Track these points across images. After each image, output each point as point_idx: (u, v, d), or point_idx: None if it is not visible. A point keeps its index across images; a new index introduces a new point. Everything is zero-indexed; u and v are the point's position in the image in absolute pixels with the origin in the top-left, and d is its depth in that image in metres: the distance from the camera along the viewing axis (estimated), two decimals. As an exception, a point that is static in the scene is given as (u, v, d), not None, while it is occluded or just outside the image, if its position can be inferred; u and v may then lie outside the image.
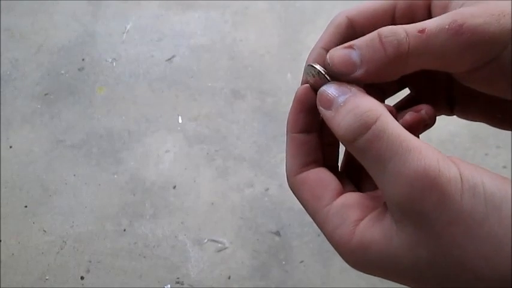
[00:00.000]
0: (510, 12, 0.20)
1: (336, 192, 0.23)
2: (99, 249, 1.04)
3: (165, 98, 1.27)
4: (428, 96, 0.28)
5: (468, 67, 0.22)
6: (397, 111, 0.27)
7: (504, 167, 1.15)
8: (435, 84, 0.28)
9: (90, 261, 1.02)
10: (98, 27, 1.42)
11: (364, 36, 0.23)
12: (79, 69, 1.33)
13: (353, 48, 0.22)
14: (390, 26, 0.22)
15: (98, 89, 1.29)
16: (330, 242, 0.22)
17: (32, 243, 1.04)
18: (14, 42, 1.39)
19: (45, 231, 1.06)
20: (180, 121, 1.23)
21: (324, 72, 0.24)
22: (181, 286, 1.00)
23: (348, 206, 0.22)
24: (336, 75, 0.23)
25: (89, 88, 1.29)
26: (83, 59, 1.35)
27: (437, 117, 0.26)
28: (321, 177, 0.24)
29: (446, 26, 0.21)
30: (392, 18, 0.25)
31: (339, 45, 0.24)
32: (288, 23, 1.43)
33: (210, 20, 1.44)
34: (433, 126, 0.26)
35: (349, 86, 0.22)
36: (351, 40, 0.24)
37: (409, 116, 0.25)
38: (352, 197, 0.23)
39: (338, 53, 0.23)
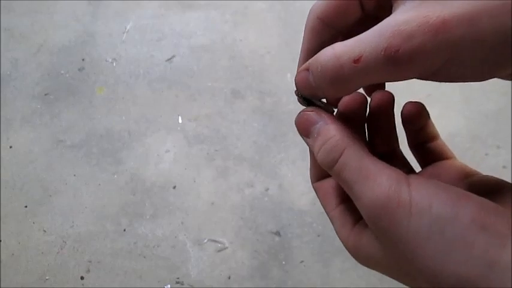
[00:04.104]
0: (448, 25, 0.19)
1: (341, 199, 0.27)
2: (99, 249, 1.04)
3: (165, 98, 1.27)
4: None
5: (416, 77, 0.22)
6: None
7: (504, 167, 1.15)
8: None
9: (90, 261, 1.02)
10: (98, 27, 1.42)
11: (313, 58, 0.23)
12: (79, 69, 1.33)
13: (308, 71, 0.23)
14: (324, 54, 0.22)
15: (98, 89, 1.29)
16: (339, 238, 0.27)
17: (32, 243, 1.04)
18: (14, 42, 1.39)
19: (45, 231, 1.06)
20: (180, 121, 1.23)
21: (300, 95, 0.26)
22: (181, 286, 1.00)
23: (347, 211, 0.26)
24: (306, 96, 0.25)
25: (89, 88, 1.29)
26: (83, 59, 1.35)
27: (437, 118, 0.26)
28: (332, 186, 0.28)
29: (382, 52, 0.20)
30: (359, 2, 0.25)
31: (321, 50, 0.25)
32: (288, 23, 1.43)
33: (210, 20, 1.44)
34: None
35: (320, 114, 0.25)
36: (330, 40, 0.25)
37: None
38: (353, 203, 0.25)
39: (298, 77, 0.24)
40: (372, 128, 0.29)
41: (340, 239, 0.26)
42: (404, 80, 0.22)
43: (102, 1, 1.48)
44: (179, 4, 1.47)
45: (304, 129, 0.25)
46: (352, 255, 0.25)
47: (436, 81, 0.23)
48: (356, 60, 0.21)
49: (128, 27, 1.42)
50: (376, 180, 0.21)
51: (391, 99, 0.27)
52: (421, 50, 0.20)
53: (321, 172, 0.28)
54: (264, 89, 1.29)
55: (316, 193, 0.29)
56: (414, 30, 0.19)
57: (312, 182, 0.29)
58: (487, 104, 1.25)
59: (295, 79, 0.24)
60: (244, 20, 1.44)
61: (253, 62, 1.34)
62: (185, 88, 1.29)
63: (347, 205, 0.26)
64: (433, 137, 0.29)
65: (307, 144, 0.25)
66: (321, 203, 0.28)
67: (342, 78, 0.21)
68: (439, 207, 0.19)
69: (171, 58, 1.36)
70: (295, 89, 0.26)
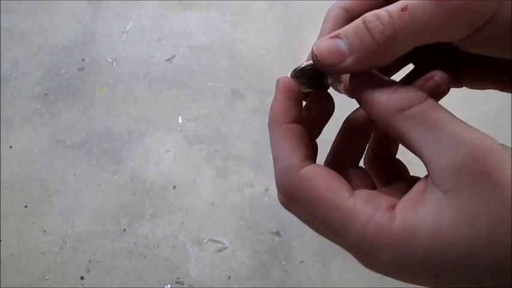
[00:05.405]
0: None
1: (350, 184, 0.21)
2: (99, 249, 1.04)
3: (165, 98, 1.27)
4: (434, 69, 0.26)
5: (462, 35, 0.21)
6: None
7: (504, 167, 1.15)
8: (439, 55, 0.27)
9: (90, 261, 1.02)
10: (98, 27, 1.42)
11: (349, 24, 0.22)
12: (79, 69, 1.33)
13: (339, 38, 0.21)
14: (373, 11, 0.21)
15: (98, 89, 1.29)
16: (360, 240, 0.19)
17: (32, 243, 1.04)
18: (14, 42, 1.39)
19: (45, 231, 1.06)
20: (180, 121, 1.23)
21: (310, 67, 0.23)
22: (181, 286, 1.00)
23: (375, 195, 0.20)
24: (324, 68, 0.22)
25: (89, 88, 1.29)
26: (83, 59, 1.35)
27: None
28: (330, 169, 0.21)
29: None
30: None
31: None
32: (288, 23, 1.43)
33: (210, 20, 1.44)
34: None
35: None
36: None
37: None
38: (368, 190, 0.21)
39: (324, 44, 0.22)
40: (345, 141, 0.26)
41: (371, 232, 0.18)
42: (449, 40, 0.21)
43: (102, 1, 1.48)
44: (179, 4, 1.47)
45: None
46: (396, 247, 0.18)
47: (476, 51, 0.22)
48: (403, 9, 0.20)
49: (128, 27, 1.42)
50: (469, 127, 0.19)
51: None
52: None
53: (305, 153, 0.22)
54: (264, 89, 1.29)
55: (305, 184, 0.21)
56: None
57: (294, 172, 0.21)
58: (487, 104, 1.25)
59: (316, 49, 0.22)
60: (244, 20, 1.44)
61: (253, 62, 1.34)
62: (185, 88, 1.29)
63: (366, 190, 0.21)
64: (395, 151, 0.27)
65: (354, 82, 0.22)
66: (322, 195, 0.20)
67: (391, 31, 0.20)
68: None
69: (171, 58, 1.36)
70: (303, 64, 0.23)
